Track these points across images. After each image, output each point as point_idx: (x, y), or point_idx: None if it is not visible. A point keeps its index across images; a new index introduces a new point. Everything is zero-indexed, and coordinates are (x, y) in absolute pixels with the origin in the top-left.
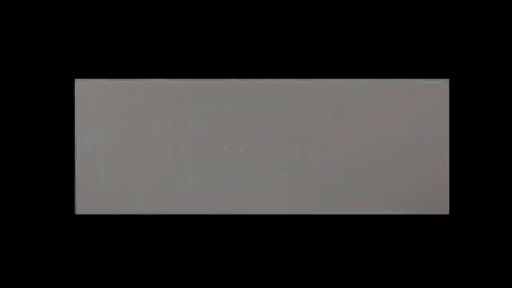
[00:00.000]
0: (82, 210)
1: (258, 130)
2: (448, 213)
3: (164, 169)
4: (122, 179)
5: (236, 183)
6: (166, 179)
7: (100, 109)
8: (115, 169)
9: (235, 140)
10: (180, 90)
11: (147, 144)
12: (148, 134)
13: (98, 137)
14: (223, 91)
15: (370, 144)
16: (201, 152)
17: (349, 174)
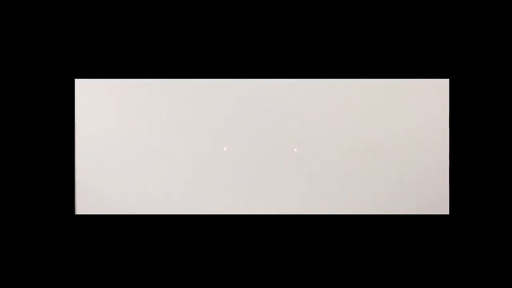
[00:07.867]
0: (82, 210)
1: (257, 130)
2: (448, 213)
3: (164, 169)
4: (122, 179)
5: (236, 183)
6: (166, 179)
7: (100, 109)
8: (115, 169)
9: (235, 140)
10: (181, 89)
11: (147, 144)
12: (148, 134)
13: (98, 137)
14: (223, 91)
15: (370, 144)
16: (202, 152)
17: (349, 174)
